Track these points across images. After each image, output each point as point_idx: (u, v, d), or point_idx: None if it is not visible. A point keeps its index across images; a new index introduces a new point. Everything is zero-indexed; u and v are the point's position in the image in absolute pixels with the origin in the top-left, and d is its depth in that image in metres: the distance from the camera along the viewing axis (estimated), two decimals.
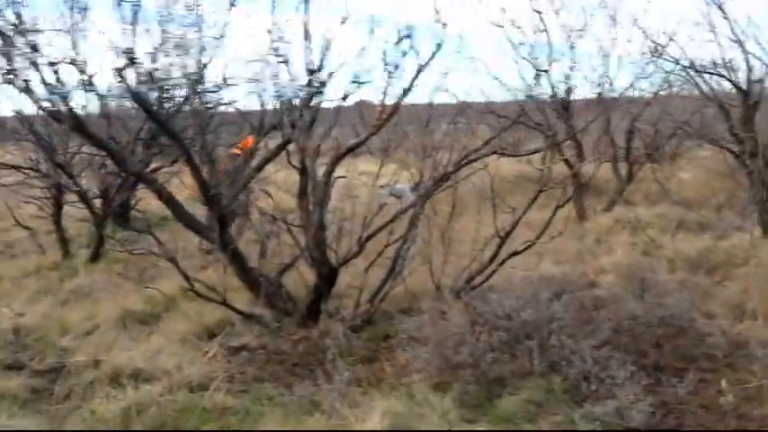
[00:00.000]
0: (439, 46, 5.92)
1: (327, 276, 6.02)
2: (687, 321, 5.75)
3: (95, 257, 9.29)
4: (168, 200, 6.15)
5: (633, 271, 7.57)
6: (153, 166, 11.40)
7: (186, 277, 5.88)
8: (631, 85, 11.65)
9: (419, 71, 5.85)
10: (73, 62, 6.95)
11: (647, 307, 6.06)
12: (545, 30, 10.31)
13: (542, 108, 11.27)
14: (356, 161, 13.61)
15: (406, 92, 5.92)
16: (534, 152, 7.41)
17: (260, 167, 7.67)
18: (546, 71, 10.46)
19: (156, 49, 10.00)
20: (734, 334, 5.59)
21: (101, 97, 9.44)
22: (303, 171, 5.83)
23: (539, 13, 10.35)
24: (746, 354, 5.23)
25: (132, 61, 5.42)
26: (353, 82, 6.08)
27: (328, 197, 5.96)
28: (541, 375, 4.70)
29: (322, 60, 5.92)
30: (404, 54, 5.89)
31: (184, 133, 8.71)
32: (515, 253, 6.15)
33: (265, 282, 6.14)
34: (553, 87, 10.94)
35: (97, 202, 9.69)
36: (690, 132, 11.96)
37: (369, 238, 5.97)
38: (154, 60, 10.44)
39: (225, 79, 7.98)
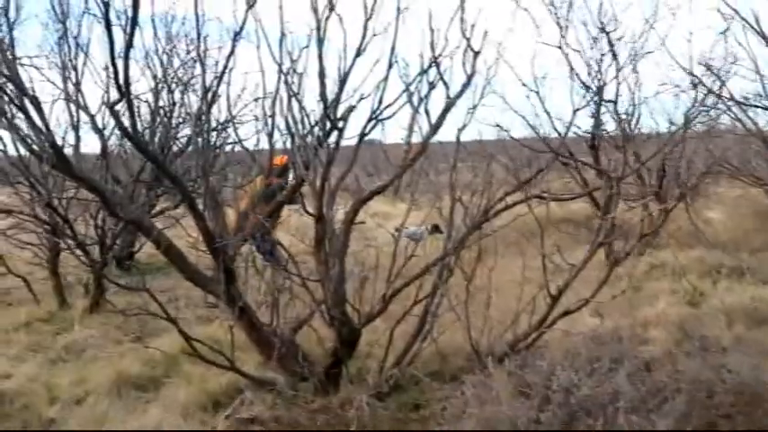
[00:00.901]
0: (471, 77, 5.26)
1: (348, 338, 5.30)
2: (762, 386, 5.00)
3: (93, 308, 8.57)
4: (168, 250, 5.47)
5: (684, 325, 6.88)
6: (157, 209, 10.79)
7: (187, 339, 5.15)
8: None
9: (450, 104, 5.18)
10: (67, 99, 6.34)
11: (709, 369, 5.33)
12: (612, 49, 9.46)
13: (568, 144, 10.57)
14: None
15: (435, 128, 5.25)
16: (579, 196, 6.68)
17: (271, 213, 6.95)
18: (614, 101, 9.73)
19: (157, 85, 9.48)
20: None
21: (100, 136, 8.89)
22: (320, 218, 5.11)
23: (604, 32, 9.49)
24: None
25: (124, 96, 4.76)
26: (373, 118, 5.44)
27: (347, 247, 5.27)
28: None
29: (338, 94, 5.28)
30: (431, 86, 5.24)
31: (187, 175, 8.09)
32: (567, 312, 5.35)
33: (278, 341, 5.43)
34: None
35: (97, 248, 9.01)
36: (729, 170, 11.23)
37: (394, 294, 5.24)
38: (156, 98, 9.95)
39: (232, 116, 7.39)
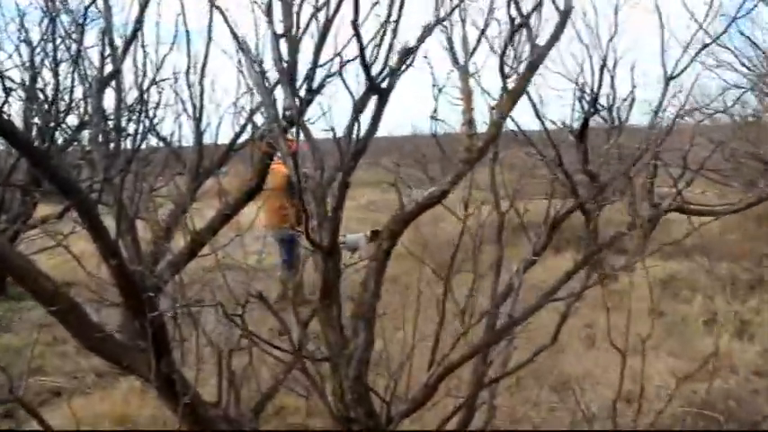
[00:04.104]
0: (566, 15, 3.20)
1: None
2: None
3: None
4: (53, 299, 3.10)
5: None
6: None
7: None
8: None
9: (543, 54, 3.10)
10: None
11: None
12: None
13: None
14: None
15: (516, 97, 3.15)
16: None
17: (215, 230, 4.60)
18: None
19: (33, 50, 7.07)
20: None
21: None
22: (331, 250, 2.91)
23: None
24: None
25: None
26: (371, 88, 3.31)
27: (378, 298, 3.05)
28: None
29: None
30: (515, 25, 3.15)
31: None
32: None
33: None
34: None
35: None
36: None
37: (443, 377, 3.07)
38: (34, 73, 7.48)
39: (142, 97, 5.17)
